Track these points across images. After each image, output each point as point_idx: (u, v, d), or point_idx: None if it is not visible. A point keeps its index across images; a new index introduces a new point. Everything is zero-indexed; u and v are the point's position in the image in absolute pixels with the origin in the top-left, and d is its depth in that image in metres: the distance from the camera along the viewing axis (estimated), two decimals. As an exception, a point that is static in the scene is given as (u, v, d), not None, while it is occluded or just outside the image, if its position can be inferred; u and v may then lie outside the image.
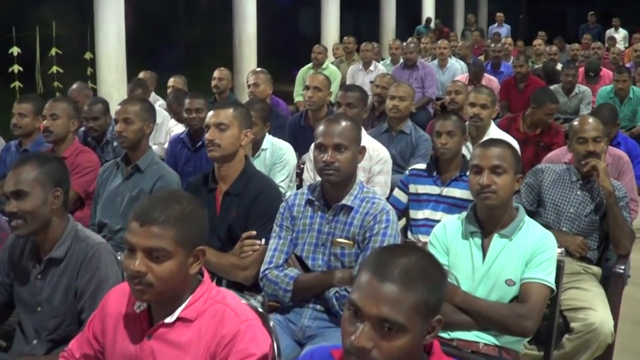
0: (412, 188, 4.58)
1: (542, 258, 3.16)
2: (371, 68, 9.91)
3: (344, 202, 3.39)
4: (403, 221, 4.81)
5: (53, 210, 3.07)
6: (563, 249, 4.20)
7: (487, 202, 3.21)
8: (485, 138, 5.37)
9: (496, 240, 3.23)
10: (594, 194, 4.28)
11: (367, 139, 4.99)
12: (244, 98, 9.93)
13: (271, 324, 2.69)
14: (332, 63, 11.28)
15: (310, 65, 10.12)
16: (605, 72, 9.47)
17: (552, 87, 8.65)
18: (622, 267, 4.04)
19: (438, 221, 4.27)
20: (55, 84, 11.53)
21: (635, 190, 5.14)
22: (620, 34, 16.05)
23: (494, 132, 5.48)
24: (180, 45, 19.13)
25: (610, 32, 16.35)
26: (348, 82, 9.95)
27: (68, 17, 13.40)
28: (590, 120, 4.39)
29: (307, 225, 3.46)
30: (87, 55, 11.41)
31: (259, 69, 7.90)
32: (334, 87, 9.76)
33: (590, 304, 3.89)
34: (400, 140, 5.78)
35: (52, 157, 3.33)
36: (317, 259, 3.43)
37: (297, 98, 9.84)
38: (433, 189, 4.51)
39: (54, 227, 3.09)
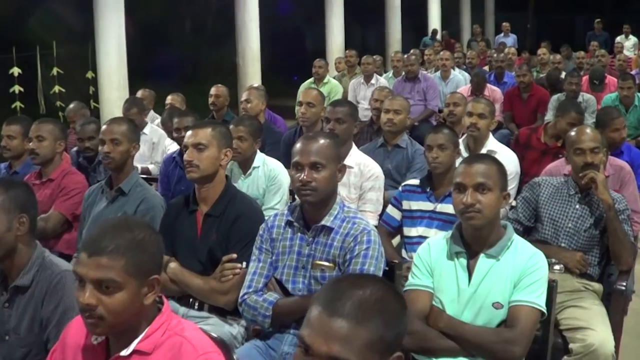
0: (406, 204, 4.43)
1: (531, 279, 2.97)
2: (372, 81, 9.77)
3: (323, 222, 3.26)
4: (398, 239, 4.67)
5: (18, 237, 2.96)
6: (562, 266, 4.05)
7: (472, 222, 3.03)
8: (483, 150, 5.24)
9: (482, 261, 3.05)
10: (594, 208, 4.11)
11: (358, 155, 4.87)
12: None
13: (235, 357, 2.54)
14: (334, 77, 11.17)
15: (311, 80, 10.01)
16: (611, 80, 9.28)
17: (555, 96, 8.51)
18: (624, 284, 3.86)
19: (432, 239, 4.14)
20: (58, 103, 11.51)
21: (638, 201, 4.95)
22: (631, 41, 15.86)
23: (492, 144, 5.32)
24: (187, 61, 19.15)
25: (620, 39, 16.14)
26: (349, 96, 9.83)
27: (69, 37, 13.39)
28: (588, 130, 4.22)
29: (287, 247, 3.33)
30: (89, 74, 11.42)
31: (255, 84, 7.81)
32: (335, 101, 9.67)
33: (589, 324, 3.71)
34: (396, 154, 5.62)
35: (18, 183, 3.22)
36: (297, 282, 3.30)
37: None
38: (427, 205, 4.36)
39: (20, 254, 2.97)
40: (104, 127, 4.43)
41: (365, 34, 24.76)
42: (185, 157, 3.69)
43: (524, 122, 8.23)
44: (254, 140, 5.08)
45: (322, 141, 3.24)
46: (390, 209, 4.52)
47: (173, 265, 3.67)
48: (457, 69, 10.99)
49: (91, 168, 5.93)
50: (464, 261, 3.08)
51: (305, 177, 3.17)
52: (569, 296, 3.93)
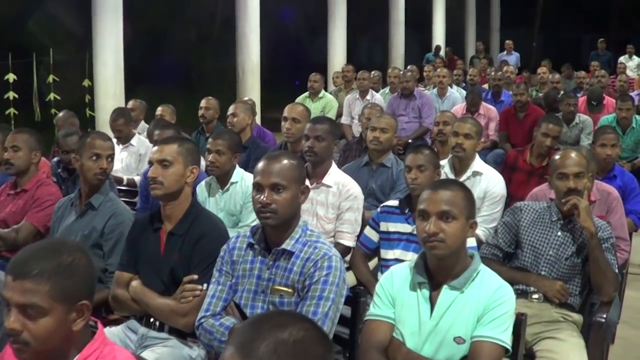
0: (383, 226, 4.28)
1: (496, 313, 2.79)
2: (368, 97, 9.61)
3: (284, 246, 3.12)
4: (375, 261, 4.52)
5: None
6: (541, 295, 3.90)
7: (435, 252, 2.86)
8: (469, 171, 5.10)
9: (445, 293, 2.88)
10: (576, 235, 3.95)
11: (337, 174, 4.73)
12: None
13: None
14: (331, 92, 11.05)
15: (306, 94, 9.89)
16: (609, 101, 9.10)
17: (551, 117, 8.36)
18: (604, 316, 3.69)
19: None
20: (53, 111, 11.42)
21: (626, 227, 4.81)
22: (635, 62, 15.69)
23: (478, 165, 5.16)
24: (191, 72, 19.11)
25: (623, 59, 15.99)
26: (344, 111, 9.71)
27: (66, 44, 13.32)
28: (573, 154, 4.06)
29: (247, 270, 3.19)
30: (86, 83, 11.35)
31: (246, 98, 7.70)
32: (331, 116, 9.54)
33: (565, 357, 3.56)
34: (381, 173, 5.47)
35: None
36: (256, 307, 3.16)
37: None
38: (405, 227, 4.21)
39: None
40: (88, 140, 4.32)
41: (370, 48, 24.71)
42: (149, 173, 3.59)
43: (519, 142, 8.06)
44: (232, 155, 4.98)
45: (284, 162, 3.12)
46: (368, 230, 4.38)
47: (135, 283, 3.59)
48: (455, 87, 10.84)
49: (71, 180, 5.82)
50: (426, 292, 2.91)
51: (265, 198, 3.04)
52: (546, 327, 3.78)
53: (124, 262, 3.69)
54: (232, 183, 4.99)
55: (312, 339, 1.59)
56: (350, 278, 4.45)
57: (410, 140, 8.76)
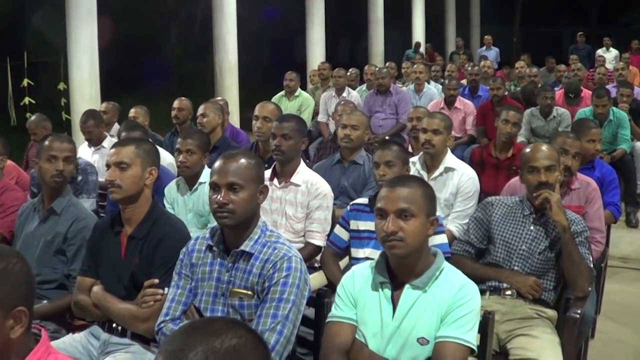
0: (353, 224, 4.18)
1: (460, 313, 2.68)
2: (344, 94, 9.51)
3: (242, 247, 3.02)
4: (346, 260, 4.43)
5: None
6: (514, 291, 3.81)
7: (394, 251, 2.75)
8: (441, 167, 5.01)
9: (408, 293, 2.77)
10: (549, 229, 3.86)
11: (306, 172, 4.64)
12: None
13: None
14: (308, 90, 10.95)
15: (282, 93, 9.78)
16: (587, 93, 8.98)
17: (529, 110, 8.28)
18: (578, 312, 3.60)
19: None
20: (28, 115, 11.29)
21: (603, 219, 4.73)
22: (612, 54, 15.63)
23: (450, 160, 5.06)
24: (172, 74, 19.00)
25: (601, 51, 15.95)
26: (321, 109, 9.59)
27: (41, 48, 13.19)
28: (543, 147, 3.98)
29: (207, 273, 3.10)
30: (61, 86, 11.22)
31: (219, 98, 7.58)
32: (307, 114, 9.45)
33: (538, 355, 3.45)
34: (353, 171, 5.38)
35: None
36: (216, 310, 3.06)
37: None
38: (375, 226, 4.10)
39: None
40: (45, 144, 4.22)
41: (352, 47, 24.64)
42: (107, 176, 3.50)
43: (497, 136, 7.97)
44: (202, 154, 4.92)
45: (241, 161, 3.03)
46: (338, 229, 4.28)
47: (96, 288, 3.52)
48: (432, 83, 10.75)
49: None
50: (388, 292, 2.80)
51: (221, 198, 2.94)
52: (519, 324, 3.68)
53: (86, 267, 3.61)
54: (201, 183, 4.92)
55: (246, 347, 1.49)
56: (321, 278, 4.36)
57: (387, 137, 8.66)
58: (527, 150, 4.01)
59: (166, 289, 3.27)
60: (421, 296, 2.75)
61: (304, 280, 2.95)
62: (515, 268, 3.86)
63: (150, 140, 5.35)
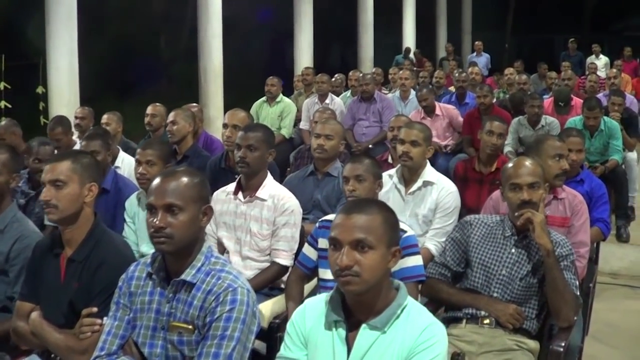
0: (322, 243, 3.84)
1: (424, 358, 2.35)
2: (327, 101, 9.20)
3: (183, 276, 2.71)
4: (314, 282, 4.10)
5: None
6: (493, 319, 3.49)
7: (348, 287, 2.40)
8: (419, 180, 4.69)
9: (364, 333, 2.43)
10: (532, 252, 3.54)
11: (273, 186, 4.32)
12: (212, 133, 9.42)
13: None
14: (291, 95, 10.64)
15: (264, 98, 9.44)
16: (577, 102, 8.63)
17: (516, 119, 7.98)
18: (562, 344, 3.28)
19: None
20: (3, 119, 11.00)
21: (588, 232, 4.42)
22: (602, 61, 15.36)
23: (430, 174, 4.74)
24: (163, 78, 18.74)
25: (590, 59, 15.68)
26: (303, 115, 9.28)
27: (18, 50, 12.89)
28: (527, 163, 3.65)
29: (146, 303, 2.78)
30: (39, 89, 10.96)
31: (193, 105, 7.25)
32: (288, 121, 9.14)
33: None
34: (327, 183, 5.06)
35: None
36: (155, 345, 2.75)
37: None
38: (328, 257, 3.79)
39: None
40: None
41: (343, 52, 24.37)
42: (42, 196, 3.20)
43: (483, 146, 7.66)
44: (163, 165, 4.61)
45: (181, 179, 2.72)
46: (306, 248, 3.96)
47: (34, 315, 3.22)
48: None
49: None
50: (342, 332, 2.45)
51: (158, 222, 2.62)
52: (498, 356, 3.37)
53: (25, 291, 3.31)
54: None
55: None
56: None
57: (370, 146, 8.38)
58: (509, 165, 3.68)
59: (105, 318, 2.95)
60: (380, 338, 2.41)
61: (251, 314, 2.62)
62: (495, 294, 3.53)
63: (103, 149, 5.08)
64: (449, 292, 3.62)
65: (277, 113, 9.23)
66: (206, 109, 12.27)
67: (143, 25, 18.35)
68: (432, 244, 4.50)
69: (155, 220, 2.63)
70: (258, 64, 19.39)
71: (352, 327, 2.46)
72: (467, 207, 5.13)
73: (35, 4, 10.12)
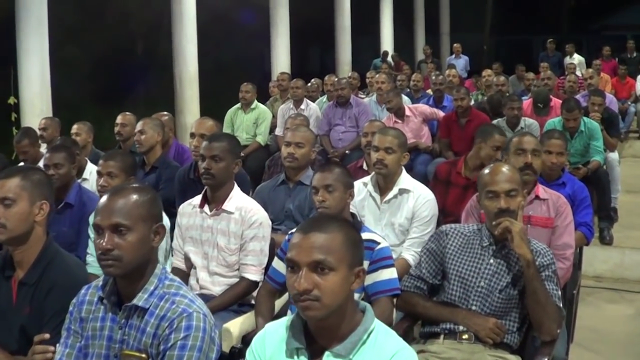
0: (291, 257, 3.66)
1: None
2: (302, 107, 9.01)
3: (135, 301, 2.51)
4: (286, 297, 3.92)
5: None
6: (472, 334, 3.31)
7: (308, 313, 2.20)
8: (395, 188, 4.51)
9: None
10: (511, 263, 3.36)
11: (240, 198, 4.14)
12: (186, 140, 9.23)
13: None
14: (266, 102, 10.45)
15: (238, 105, 9.23)
16: (557, 103, 8.40)
17: (495, 121, 7.81)
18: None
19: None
20: (-26, 133, 10.80)
21: (573, 234, 4.26)
22: (575, 60, 15.26)
23: (406, 181, 4.55)
24: (143, 85, 18.56)
25: (566, 59, 15.58)
26: (278, 122, 9.08)
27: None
28: (504, 169, 3.47)
29: (98, 329, 2.59)
30: (11, 100, 10.75)
31: (164, 113, 7.03)
32: (264, 128, 8.94)
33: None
34: (299, 193, 4.87)
35: None
36: None
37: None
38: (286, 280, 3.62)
39: None
40: None
41: (322, 56, 24.23)
42: None
43: (462, 149, 7.44)
44: (126, 177, 4.42)
45: (130, 197, 2.53)
46: (276, 262, 3.78)
47: None
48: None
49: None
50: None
51: (104, 243, 2.42)
52: (478, 374, 3.19)
53: None
54: None
55: None
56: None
57: (347, 152, 8.20)
58: (486, 172, 3.51)
59: (58, 345, 2.75)
60: None
61: (208, 340, 2.43)
62: (473, 308, 3.35)
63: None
64: (425, 306, 3.44)
65: (252, 120, 9.03)
66: (182, 115, 12.09)
67: (119, 32, 18.18)
68: (410, 254, 4.32)
69: (102, 241, 2.44)
70: (235, 69, 19.21)
71: (314, 355, 2.26)
72: (448, 212, 5.00)
73: (4, 12, 9.93)
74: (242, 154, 8.32)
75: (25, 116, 9.24)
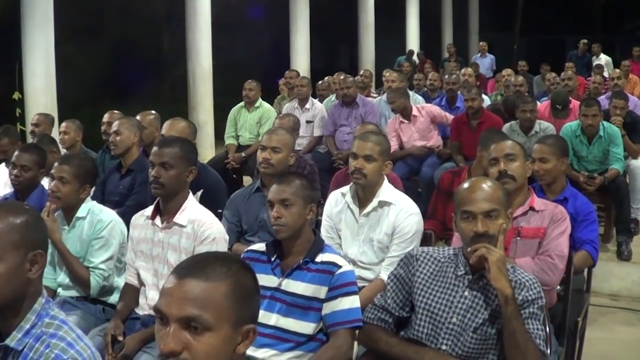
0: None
1: None
2: (307, 106, 8.56)
3: (8, 341, 2.10)
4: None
5: None
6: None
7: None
8: (375, 200, 4.04)
9: None
10: (489, 296, 2.85)
11: (194, 210, 3.70)
12: (200, 139, 9.04)
13: None
14: (275, 100, 10.04)
15: (242, 104, 8.80)
16: (576, 105, 7.78)
17: (508, 125, 7.32)
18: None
19: (272, 327, 2.99)
20: (-22, 129, 10.60)
21: (567, 244, 3.76)
22: (602, 60, 14.64)
23: (387, 193, 4.07)
24: (166, 80, 18.37)
25: (593, 59, 14.97)
26: (282, 121, 8.62)
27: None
28: (484, 185, 2.94)
29: None
30: (16, 96, 10.62)
31: (151, 112, 6.61)
32: (267, 127, 8.49)
33: None
34: (275, 202, 4.42)
35: None
36: None
37: (228, 141, 8.61)
38: (270, 280, 3.21)
39: None
40: None
41: (344, 53, 23.84)
42: None
43: (472, 153, 6.91)
44: (80, 185, 4.05)
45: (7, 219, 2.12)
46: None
47: None
48: (411, 92, 9.75)
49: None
50: None
51: None
52: None
53: None
54: (78, 219, 4.07)
55: None
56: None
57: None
58: (464, 187, 2.98)
59: None
60: None
61: None
62: (443, 348, 2.85)
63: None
64: (388, 342, 2.95)
65: (255, 119, 8.61)
66: (195, 112, 12.05)
67: (143, 26, 17.95)
68: (387, 274, 3.86)
69: None
70: (254, 66, 18.89)
71: None
72: (448, 225, 4.65)
73: (10, 5, 9.72)
74: (243, 155, 8.03)
75: (29, 112, 9.15)
